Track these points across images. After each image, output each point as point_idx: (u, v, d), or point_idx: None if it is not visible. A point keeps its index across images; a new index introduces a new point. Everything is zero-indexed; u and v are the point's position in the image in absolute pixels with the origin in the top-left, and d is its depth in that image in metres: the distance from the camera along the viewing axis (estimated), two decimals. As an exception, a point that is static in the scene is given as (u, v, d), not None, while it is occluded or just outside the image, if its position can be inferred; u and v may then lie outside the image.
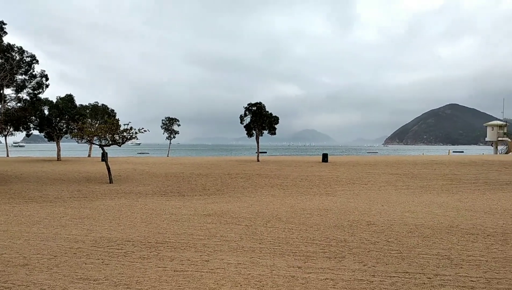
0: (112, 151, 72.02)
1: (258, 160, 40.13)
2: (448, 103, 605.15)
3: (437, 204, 14.94)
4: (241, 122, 41.29)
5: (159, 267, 7.19)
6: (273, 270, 7.04)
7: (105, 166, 23.64)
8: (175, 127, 63.15)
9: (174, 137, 63.35)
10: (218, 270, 7.00)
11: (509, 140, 71.51)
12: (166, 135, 62.86)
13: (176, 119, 63.15)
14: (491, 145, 76.63)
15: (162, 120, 62.80)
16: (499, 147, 73.68)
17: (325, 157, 38.87)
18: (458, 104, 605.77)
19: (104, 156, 26.13)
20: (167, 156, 63.44)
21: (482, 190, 19.20)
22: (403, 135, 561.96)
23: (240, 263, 7.42)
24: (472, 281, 6.51)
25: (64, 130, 41.52)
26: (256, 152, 43.24)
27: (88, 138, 24.23)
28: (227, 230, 10.31)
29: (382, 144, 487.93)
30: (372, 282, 6.44)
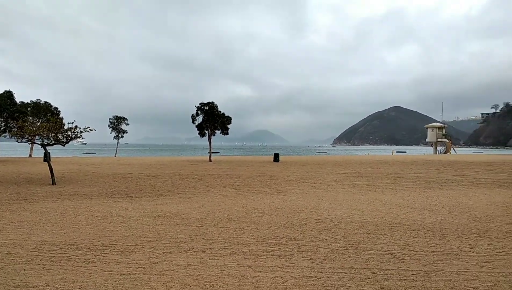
0: (56, 151, 68.42)
1: (210, 160, 39.85)
2: (392, 106, 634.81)
3: (381, 202, 15.62)
4: (193, 122, 40.83)
5: (104, 271, 6.91)
6: (223, 270, 7.01)
7: (48, 167, 22.39)
8: (123, 126, 61.15)
9: (122, 137, 61.32)
10: (167, 272, 6.85)
11: (448, 141, 76.42)
12: (113, 134, 60.68)
13: (124, 118, 61.16)
14: (431, 146, 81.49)
15: (110, 119, 60.60)
16: (438, 148, 78.50)
17: (276, 157, 39.37)
18: (401, 107, 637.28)
19: (46, 156, 24.75)
20: (115, 156, 61.30)
21: (422, 188, 20.32)
22: (350, 136, 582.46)
23: (190, 265, 7.32)
24: (413, 274, 6.86)
25: (2, 128, 38.87)
26: (209, 152, 42.92)
27: (29, 137, 22.82)
28: (177, 232, 10.13)
29: (331, 145, 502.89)
30: (320, 278, 6.60)
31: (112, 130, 60.59)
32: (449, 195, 17.61)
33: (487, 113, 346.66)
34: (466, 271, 7.02)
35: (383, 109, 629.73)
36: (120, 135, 60.83)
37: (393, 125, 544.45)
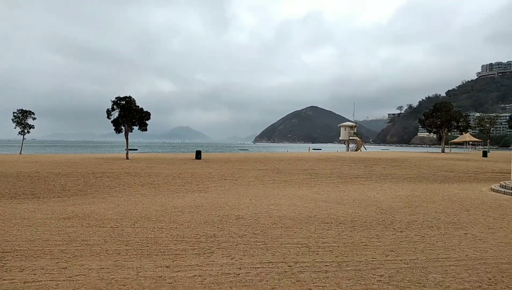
0: None
1: (127, 158, 38.17)
2: (309, 105, 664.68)
3: (298, 197, 16.27)
4: (108, 117, 38.75)
5: (5, 279, 6.26)
6: (139, 272, 6.75)
7: None
8: (29, 121, 55.96)
9: (28, 132, 56.08)
10: (78, 277, 6.41)
11: (358, 139, 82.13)
12: (18, 129, 55.25)
13: (31, 112, 55.99)
14: (344, 143, 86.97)
15: (14, 112, 55.05)
16: (350, 145, 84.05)
17: (198, 154, 39.00)
18: (317, 107, 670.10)
19: None
20: (20, 153, 55.93)
21: (336, 183, 21.58)
22: (271, 134, 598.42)
23: (103, 268, 6.93)
24: (326, 265, 7.23)
25: None
26: (126, 149, 41.08)
27: None
28: (89, 234, 9.53)
29: (253, 142, 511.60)
30: (239, 274, 6.66)
31: (16, 125, 55.12)
32: (359, 190, 18.91)
33: (393, 114, 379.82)
34: (373, 260, 7.58)
35: (301, 109, 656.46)
36: (26, 131, 55.58)
37: (310, 124, 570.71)
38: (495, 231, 10.31)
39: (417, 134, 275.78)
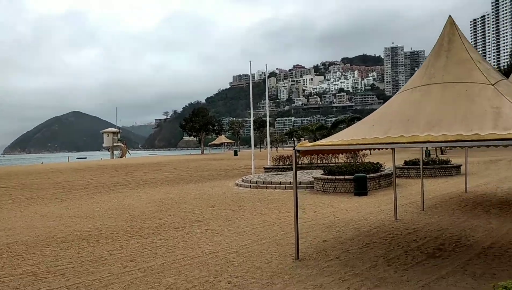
0: None
1: None
2: (72, 110, 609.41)
3: (41, 215, 14.19)
4: None
5: None
6: None
7: None
8: None
9: None
10: None
11: (123, 145, 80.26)
12: None
13: None
14: (108, 150, 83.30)
15: None
16: (115, 152, 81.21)
17: None
18: (81, 112, 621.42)
19: None
20: None
21: (90, 194, 20.05)
22: (25, 144, 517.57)
23: None
24: (50, 293, 6.29)
25: None
26: None
27: None
28: None
29: (1, 154, 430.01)
30: None
31: None
32: (115, 199, 18.11)
33: (160, 119, 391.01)
34: (109, 276, 7.09)
35: (62, 114, 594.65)
36: None
37: (74, 131, 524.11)
38: (231, 223, 11.50)
39: (183, 138, 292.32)
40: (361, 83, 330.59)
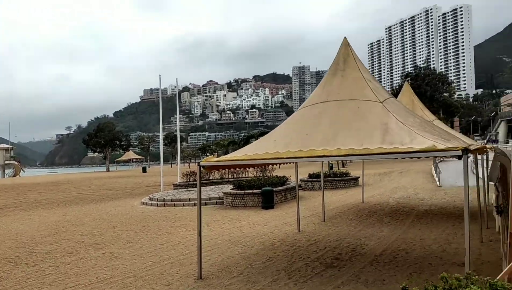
0: None
1: None
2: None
3: None
4: None
5: None
6: None
7: None
8: None
9: None
10: None
11: (16, 163, 72.40)
12: None
13: None
14: (-1, 169, 74.45)
15: None
16: (7, 171, 72.85)
17: None
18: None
19: None
20: None
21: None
22: None
23: None
24: None
25: None
26: None
27: None
28: None
29: None
30: None
31: None
32: (1, 223, 16.04)
33: (62, 134, 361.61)
34: (-21, 314, 6.10)
35: None
36: None
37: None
38: (133, 244, 10.80)
39: (87, 154, 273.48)
40: (271, 100, 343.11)
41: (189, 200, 18.85)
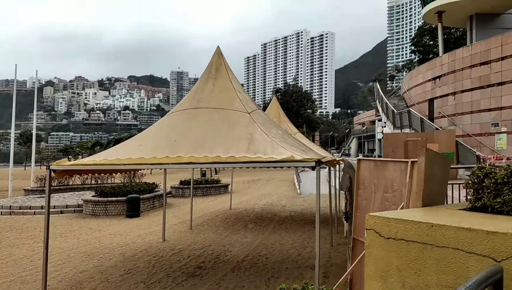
0: None
1: None
2: None
3: None
4: None
5: None
6: None
7: None
8: None
9: None
10: None
11: None
12: None
13: None
14: None
15: None
16: None
17: None
18: None
19: None
20: None
21: None
22: None
23: None
24: None
25: None
26: None
27: None
28: None
29: None
30: None
31: None
32: None
33: None
34: None
35: None
36: None
37: None
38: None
39: None
40: (147, 102, 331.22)
41: (42, 207, 16.78)
